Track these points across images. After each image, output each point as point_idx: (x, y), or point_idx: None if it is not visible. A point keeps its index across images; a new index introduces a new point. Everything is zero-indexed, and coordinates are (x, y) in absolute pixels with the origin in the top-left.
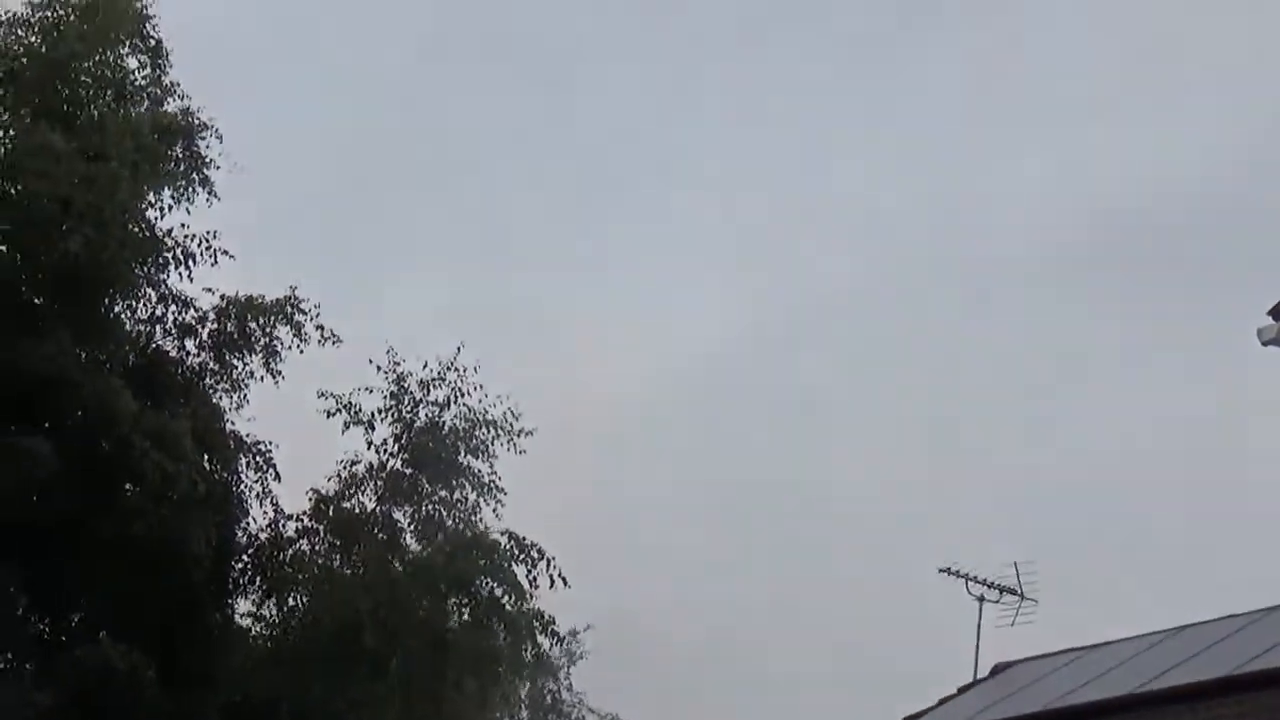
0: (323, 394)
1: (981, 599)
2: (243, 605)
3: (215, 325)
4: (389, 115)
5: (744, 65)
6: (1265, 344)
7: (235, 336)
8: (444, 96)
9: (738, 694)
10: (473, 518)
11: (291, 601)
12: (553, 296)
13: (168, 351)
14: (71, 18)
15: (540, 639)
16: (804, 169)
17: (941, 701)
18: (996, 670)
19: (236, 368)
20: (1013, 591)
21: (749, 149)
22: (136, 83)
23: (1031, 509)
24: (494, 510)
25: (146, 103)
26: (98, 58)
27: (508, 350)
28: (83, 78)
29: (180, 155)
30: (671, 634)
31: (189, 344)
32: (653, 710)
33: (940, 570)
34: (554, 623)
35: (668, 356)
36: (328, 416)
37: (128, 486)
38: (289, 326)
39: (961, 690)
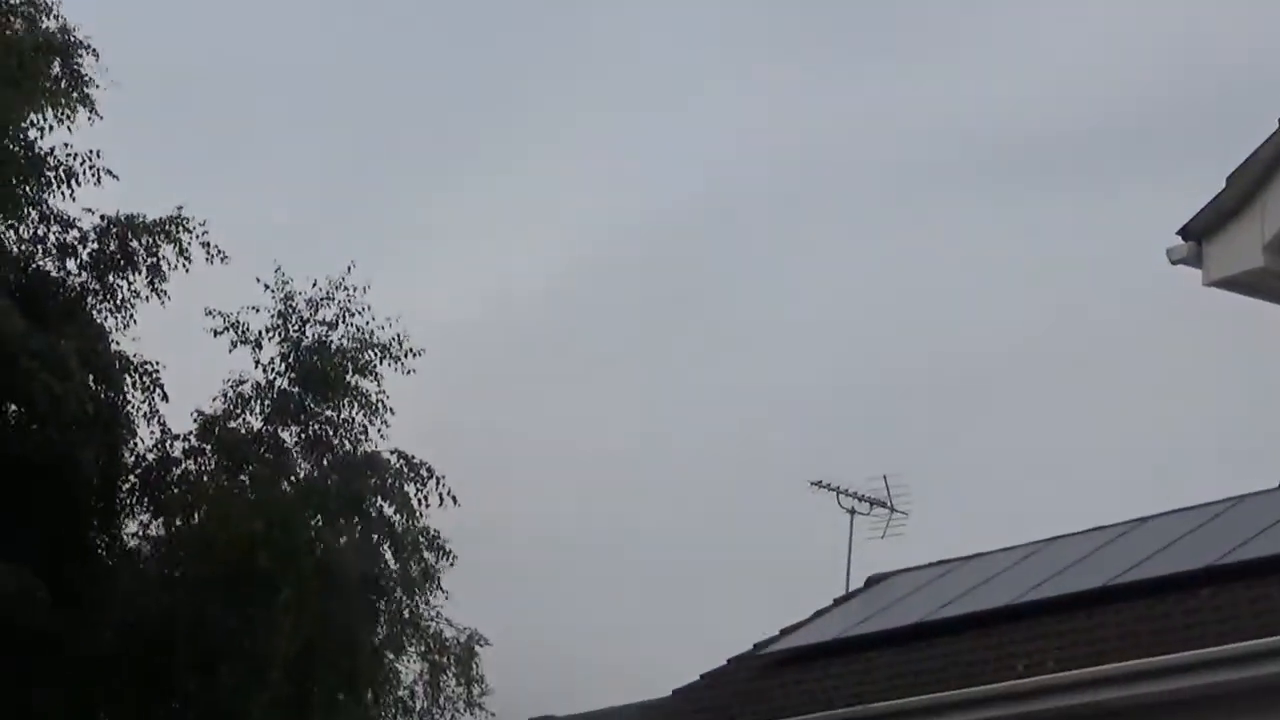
0: (210, 312)
1: (852, 512)
2: (131, 526)
3: (96, 245)
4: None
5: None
6: (1174, 263)
7: (118, 256)
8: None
9: (605, 601)
10: (360, 438)
11: (181, 523)
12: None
13: (49, 272)
14: None
15: (427, 556)
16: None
17: (818, 614)
18: (871, 582)
19: (121, 288)
20: (883, 504)
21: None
22: (11, 1)
23: (901, 418)
24: (379, 431)
25: (20, 20)
26: None
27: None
28: None
29: (59, 73)
30: (534, 546)
31: (70, 264)
32: (511, 623)
33: (811, 483)
34: (440, 538)
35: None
36: (215, 335)
37: (14, 408)
38: (173, 245)
39: (837, 602)
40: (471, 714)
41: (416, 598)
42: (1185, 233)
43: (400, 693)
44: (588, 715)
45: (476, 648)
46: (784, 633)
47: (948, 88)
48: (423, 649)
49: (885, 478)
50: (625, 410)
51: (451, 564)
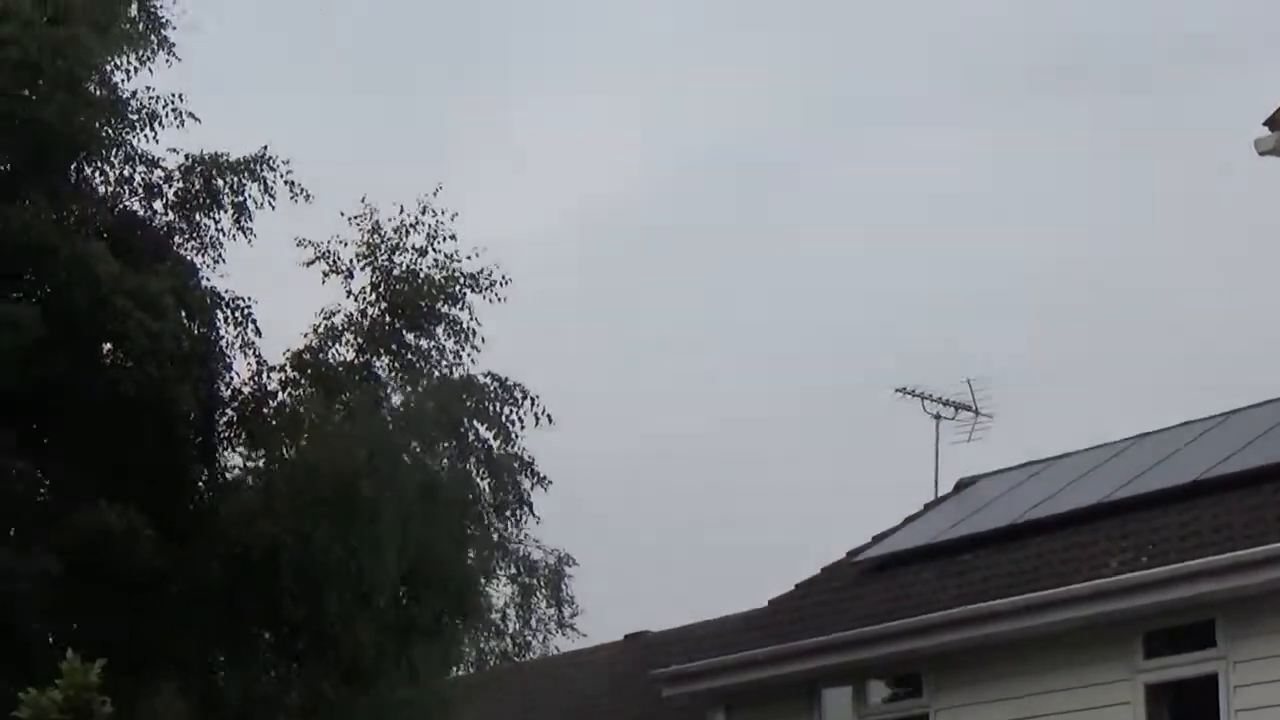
0: (300, 242)
1: (938, 417)
2: (232, 459)
3: (182, 184)
4: None
5: None
6: (1263, 154)
7: (203, 195)
8: None
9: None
10: (453, 364)
11: (281, 453)
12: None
13: (136, 213)
14: None
15: (522, 480)
16: None
17: (908, 519)
18: (960, 486)
19: (208, 227)
20: (968, 408)
21: None
22: None
23: (985, 322)
24: (469, 357)
25: None
26: None
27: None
28: None
29: (137, 16)
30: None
31: (157, 204)
32: (603, 542)
33: (896, 390)
34: (534, 463)
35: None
36: (306, 265)
37: (112, 347)
38: (258, 183)
39: (927, 507)
40: (563, 634)
41: (508, 521)
42: (1273, 123)
43: (492, 616)
44: (683, 629)
45: (566, 569)
46: (876, 539)
47: None
48: (513, 572)
49: (969, 381)
50: (708, 320)
51: (546, 489)
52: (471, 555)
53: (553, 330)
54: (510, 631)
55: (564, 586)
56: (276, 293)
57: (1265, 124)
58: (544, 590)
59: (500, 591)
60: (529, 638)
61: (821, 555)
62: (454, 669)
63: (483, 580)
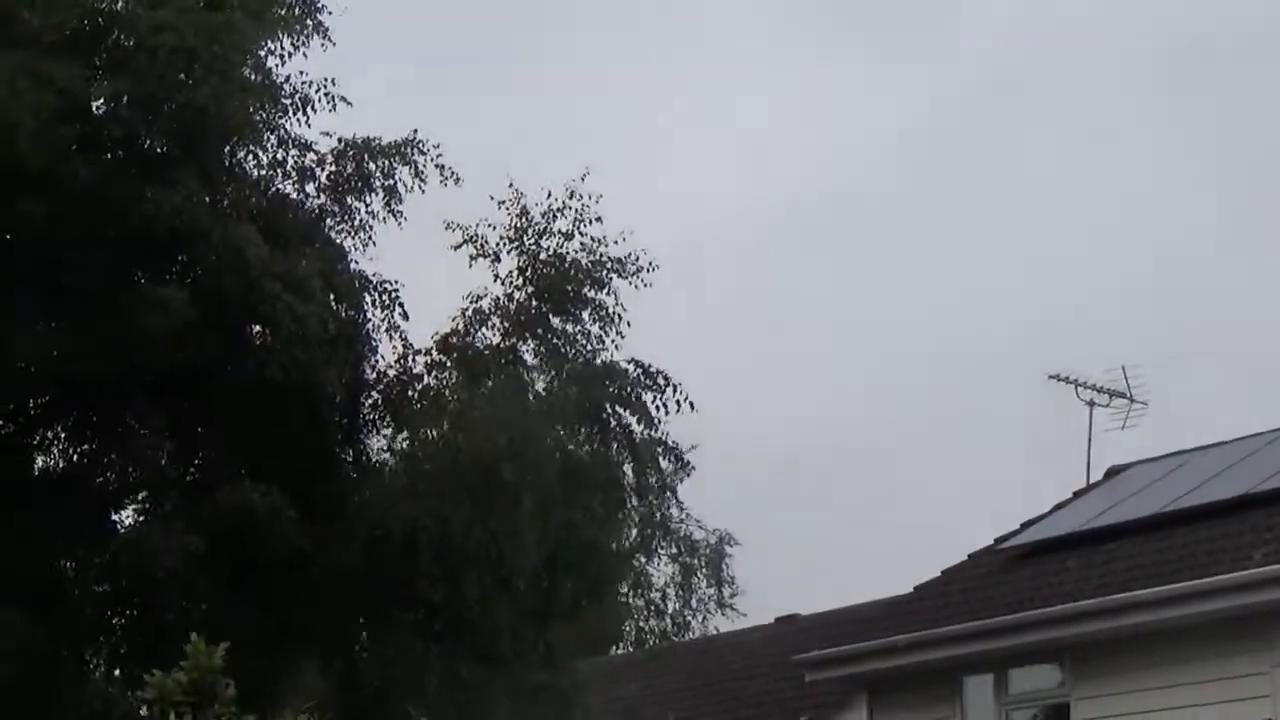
0: (449, 225)
1: (1091, 404)
2: (376, 442)
3: (334, 168)
4: None
5: None
6: None
7: (355, 179)
8: None
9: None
10: (597, 349)
11: (425, 436)
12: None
13: (289, 195)
14: None
15: (664, 464)
16: None
17: (1057, 506)
18: (1110, 474)
19: (358, 210)
20: (1122, 395)
21: None
22: None
23: (1134, 311)
24: (613, 343)
25: None
26: None
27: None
28: None
29: (293, 1)
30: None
31: (309, 187)
32: (758, 525)
33: (1049, 376)
34: (678, 448)
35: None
36: (454, 249)
37: (260, 330)
38: (408, 167)
39: (1077, 494)
40: (723, 614)
41: (655, 505)
42: None
43: (652, 595)
44: (832, 613)
45: (727, 549)
46: (1024, 526)
47: None
48: (674, 552)
49: (1123, 368)
50: (865, 309)
51: (689, 473)
52: (631, 535)
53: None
54: (670, 611)
55: (725, 566)
56: (425, 276)
57: None
58: (704, 570)
59: (661, 571)
60: (689, 617)
61: (971, 542)
62: (607, 650)
63: (640, 560)
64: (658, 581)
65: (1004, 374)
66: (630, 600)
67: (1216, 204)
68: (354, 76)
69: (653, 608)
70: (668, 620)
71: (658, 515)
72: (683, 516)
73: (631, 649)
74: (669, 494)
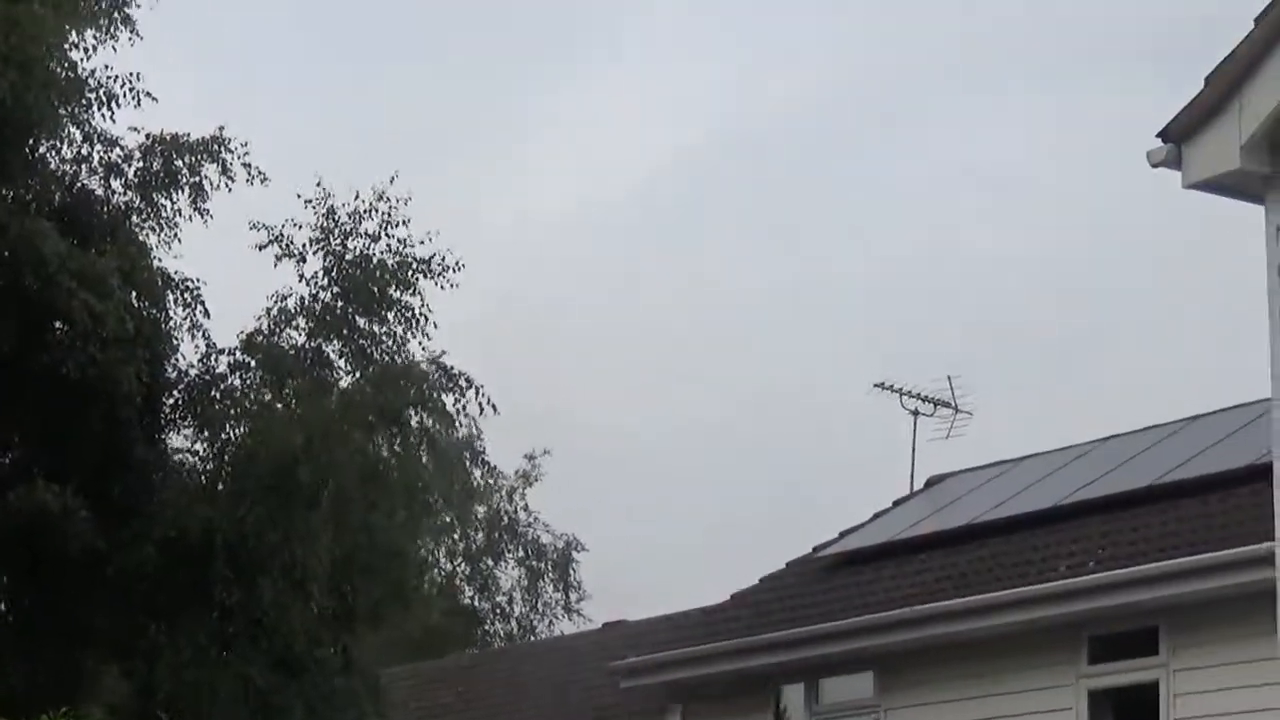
0: (254, 225)
1: (916, 413)
2: (176, 441)
3: (141, 164)
4: None
5: None
6: (1155, 166)
7: (162, 175)
8: None
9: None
10: (401, 350)
11: (225, 436)
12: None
13: (94, 191)
14: None
15: (469, 468)
16: None
17: (876, 515)
18: (930, 483)
19: (165, 207)
20: (946, 404)
21: None
22: None
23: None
24: (420, 343)
25: None
26: None
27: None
28: None
29: None
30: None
31: (115, 184)
32: (611, 528)
33: (875, 385)
34: (483, 451)
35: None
36: (259, 249)
37: (57, 326)
38: (216, 165)
39: (896, 503)
40: (570, 619)
41: (496, 504)
42: (1165, 135)
43: (499, 599)
44: (658, 619)
45: (574, 554)
46: (842, 535)
47: None
48: (520, 555)
49: (949, 378)
50: (689, 308)
51: (493, 476)
52: (477, 538)
53: None
54: (515, 615)
55: (572, 571)
56: (230, 272)
57: (1158, 135)
58: (551, 574)
59: (508, 575)
60: (535, 622)
61: (791, 549)
62: (441, 654)
63: (486, 563)
64: (504, 585)
65: (833, 382)
66: (475, 604)
67: None
68: (173, 70)
69: (498, 611)
70: (513, 623)
71: (504, 518)
72: (530, 520)
73: (477, 653)
74: (474, 499)
